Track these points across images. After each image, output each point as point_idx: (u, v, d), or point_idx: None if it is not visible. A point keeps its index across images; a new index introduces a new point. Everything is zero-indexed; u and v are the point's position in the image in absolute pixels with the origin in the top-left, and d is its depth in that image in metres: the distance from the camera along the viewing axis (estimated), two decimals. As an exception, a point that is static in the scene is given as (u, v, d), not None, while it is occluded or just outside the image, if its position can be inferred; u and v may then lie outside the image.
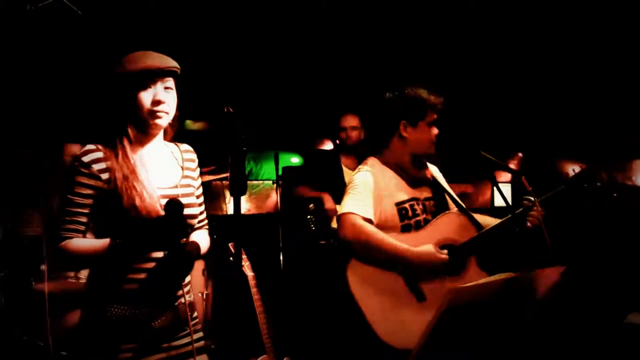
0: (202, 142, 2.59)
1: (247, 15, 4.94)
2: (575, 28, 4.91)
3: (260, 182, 6.71)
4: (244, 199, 6.41)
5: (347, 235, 2.80)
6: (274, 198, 5.98)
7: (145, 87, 2.07)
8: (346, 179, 4.79)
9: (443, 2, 4.92)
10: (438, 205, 3.03)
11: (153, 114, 2.09)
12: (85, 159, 2.05)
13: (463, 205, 3.03)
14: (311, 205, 4.77)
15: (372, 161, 3.04)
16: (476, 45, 5.25)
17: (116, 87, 2.08)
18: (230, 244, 4.03)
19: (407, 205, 2.94)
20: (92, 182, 2.05)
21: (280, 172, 5.18)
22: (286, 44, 5.37)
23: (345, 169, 4.82)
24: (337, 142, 4.95)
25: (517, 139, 5.60)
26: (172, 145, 2.30)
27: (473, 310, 1.87)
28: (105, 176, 2.05)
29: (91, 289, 2.14)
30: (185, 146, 2.34)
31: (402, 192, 2.95)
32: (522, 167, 5.78)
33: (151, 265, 2.09)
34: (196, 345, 2.21)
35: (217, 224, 4.44)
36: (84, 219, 2.06)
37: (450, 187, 3.21)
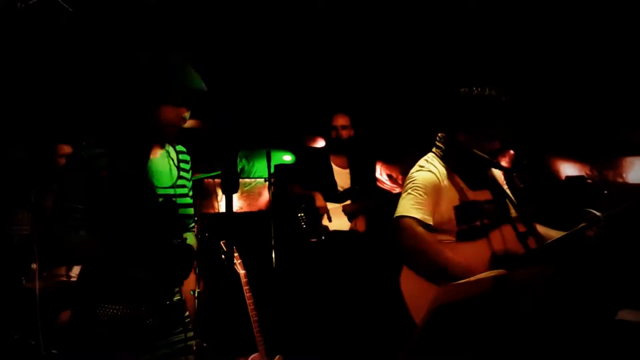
0: (195, 140, 2.59)
1: (240, 14, 4.93)
2: (568, 28, 4.93)
3: (253, 180, 6.70)
4: (235, 197, 6.41)
5: (404, 241, 2.70)
6: (266, 196, 5.98)
7: (184, 105, 2.12)
8: (336, 178, 4.81)
9: (438, 2, 4.92)
10: (498, 209, 2.84)
11: (174, 127, 2.13)
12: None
13: (525, 212, 2.80)
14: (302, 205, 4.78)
15: (431, 159, 2.91)
16: (468, 43, 5.26)
17: (148, 94, 2.08)
18: (222, 242, 4.03)
19: (465, 208, 2.80)
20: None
21: (272, 170, 5.18)
22: (279, 42, 5.37)
23: (335, 168, 4.83)
24: (327, 140, 4.95)
25: (508, 136, 5.61)
26: (167, 145, 2.32)
27: (464, 307, 1.87)
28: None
29: (84, 287, 2.14)
30: (180, 147, 2.37)
31: (461, 194, 2.82)
32: (513, 164, 5.80)
33: (145, 264, 2.10)
34: (182, 345, 2.22)
35: (209, 222, 4.44)
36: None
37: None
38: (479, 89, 2.81)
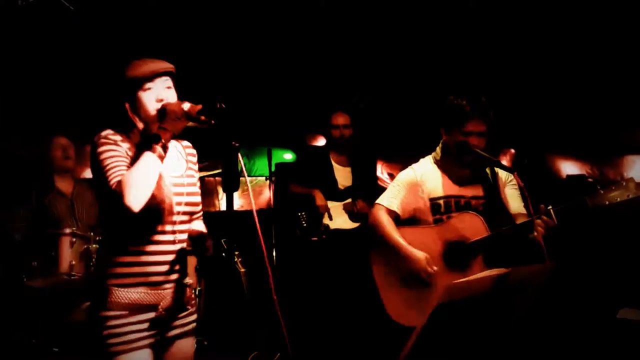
0: (195, 138, 2.62)
1: (241, 12, 4.93)
2: (569, 27, 4.92)
3: (253, 178, 6.70)
4: (236, 196, 6.40)
5: (369, 221, 3.27)
6: (267, 194, 5.98)
7: (146, 89, 2.25)
8: (337, 176, 4.80)
9: (438, 1, 4.92)
10: (488, 205, 3.13)
11: (162, 114, 2.21)
12: (111, 137, 2.20)
13: (515, 210, 3.11)
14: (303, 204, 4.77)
15: (424, 159, 3.31)
16: (469, 42, 5.26)
17: (123, 92, 2.26)
18: (222, 241, 4.03)
19: (441, 201, 3.16)
20: (121, 147, 2.19)
21: (273, 169, 5.18)
22: (280, 41, 5.36)
23: (336, 166, 4.82)
24: (327, 139, 4.94)
25: (509, 135, 5.61)
26: (174, 141, 2.44)
27: (466, 305, 1.87)
28: (130, 153, 2.20)
29: (102, 273, 2.23)
30: (186, 143, 2.51)
31: (442, 188, 3.17)
32: (514, 163, 5.80)
33: (159, 249, 2.23)
34: (192, 326, 2.39)
35: (210, 220, 4.43)
36: (124, 168, 2.14)
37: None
38: (453, 96, 3.11)
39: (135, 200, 2.04)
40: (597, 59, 5.10)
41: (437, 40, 5.31)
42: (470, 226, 3.01)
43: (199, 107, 2.17)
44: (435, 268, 3.00)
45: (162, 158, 2.16)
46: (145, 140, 2.16)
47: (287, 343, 2.48)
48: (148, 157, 2.11)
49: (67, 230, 3.87)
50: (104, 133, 2.20)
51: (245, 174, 2.28)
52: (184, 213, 2.31)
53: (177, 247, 2.28)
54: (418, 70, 5.61)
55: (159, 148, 2.14)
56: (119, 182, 2.05)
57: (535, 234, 2.81)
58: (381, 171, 6.49)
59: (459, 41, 5.27)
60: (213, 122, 2.14)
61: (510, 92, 5.48)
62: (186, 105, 2.19)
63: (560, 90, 5.43)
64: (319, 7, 4.88)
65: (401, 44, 5.43)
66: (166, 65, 2.30)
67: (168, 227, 2.25)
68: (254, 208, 2.33)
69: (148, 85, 2.24)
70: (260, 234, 2.37)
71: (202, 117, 2.16)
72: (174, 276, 2.27)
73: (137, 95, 2.24)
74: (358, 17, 5.11)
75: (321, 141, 6.41)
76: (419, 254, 3.03)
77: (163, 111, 2.19)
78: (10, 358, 3.83)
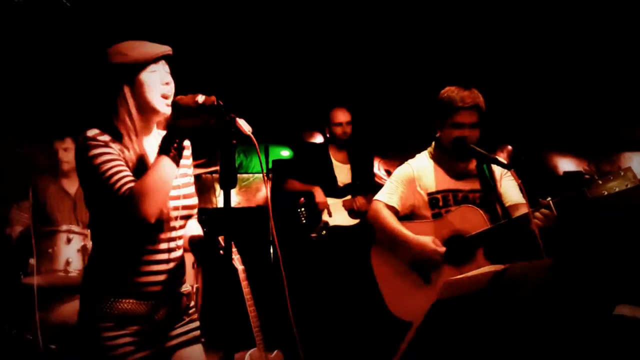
0: (192, 134, 2.58)
1: (238, 8, 4.92)
2: (567, 24, 4.92)
3: (251, 175, 6.69)
4: (234, 192, 6.40)
5: (369, 218, 3.28)
6: (264, 191, 5.98)
7: (152, 70, 2.05)
8: (337, 173, 4.80)
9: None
10: (485, 198, 3.14)
11: (164, 96, 2.07)
12: (100, 138, 1.99)
13: (504, 204, 3.11)
14: (302, 199, 4.76)
15: (420, 154, 3.33)
16: (466, 38, 5.25)
17: (118, 79, 2.04)
18: (220, 237, 4.02)
19: (439, 195, 3.17)
20: (113, 149, 2.00)
21: (270, 165, 5.17)
22: (277, 37, 5.36)
23: (336, 163, 4.82)
24: (328, 136, 4.93)
25: (506, 132, 5.62)
26: (159, 136, 2.26)
27: (463, 302, 1.87)
28: (123, 155, 2.02)
29: (92, 281, 2.11)
30: None
31: (439, 183, 3.19)
32: (511, 159, 5.80)
33: (154, 258, 2.09)
34: (193, 334, 2.27)
35: (207, 217, 4.44)
36: (129, 173, 1.97)
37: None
38: (442, 90, 3.16)
39: (152, 210, 1.89)
40: (594, 55, 5.10)
41: (434, 36, 5.31)
42: (470, 219, 3.01)
43: (213, 98, 1.93)
44: (443, 248, 3.01)
45: (177, 162, 1.97)
46: (161, 142, 1.98)
47: (298, 342, 2.43)
48: (163, 162, 1.93)
49: (64, 228, 3.86)
50: (90, 134, 1.98)
51: (264, 171, 2.19)
52: (181, 218, 2.16)
53: (173, 255, 2.15)
54: (415, 66, 5.60)
55: (174, 150, 1.94)
56: (132, 190, 1.89)
57: (534, 226, 2.78)
58: (378, 168, 6.48)
59: (456, 37, 5.27)
60: (222, 102, 1.92)
61: (508, 89, 5.48)
62: (201, 98, 1.94)
63: (558, 87, 5.43)
64: (318, 4, 4.87)
65: (398, 40, 5.43)
66: (166, 48, 2.10)
67: (163, 236, 2.10)
68: (270, 205, 2.24)
69: (153, 67, 2.04)
70: (274, 233, 2.27)
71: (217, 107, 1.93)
72: (169, 286, 2.15)
73: (139, 80, 2.03)
74: (356, 14, 5.11)
75: (319, 138, 6.41)
76: (425, 238, 3.05)
77: (176, 106, 1.97)
78: (7, 356, 3.82)
